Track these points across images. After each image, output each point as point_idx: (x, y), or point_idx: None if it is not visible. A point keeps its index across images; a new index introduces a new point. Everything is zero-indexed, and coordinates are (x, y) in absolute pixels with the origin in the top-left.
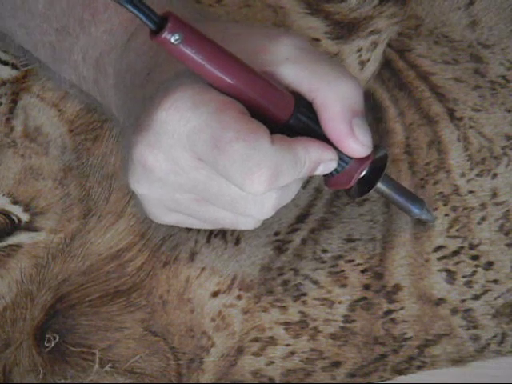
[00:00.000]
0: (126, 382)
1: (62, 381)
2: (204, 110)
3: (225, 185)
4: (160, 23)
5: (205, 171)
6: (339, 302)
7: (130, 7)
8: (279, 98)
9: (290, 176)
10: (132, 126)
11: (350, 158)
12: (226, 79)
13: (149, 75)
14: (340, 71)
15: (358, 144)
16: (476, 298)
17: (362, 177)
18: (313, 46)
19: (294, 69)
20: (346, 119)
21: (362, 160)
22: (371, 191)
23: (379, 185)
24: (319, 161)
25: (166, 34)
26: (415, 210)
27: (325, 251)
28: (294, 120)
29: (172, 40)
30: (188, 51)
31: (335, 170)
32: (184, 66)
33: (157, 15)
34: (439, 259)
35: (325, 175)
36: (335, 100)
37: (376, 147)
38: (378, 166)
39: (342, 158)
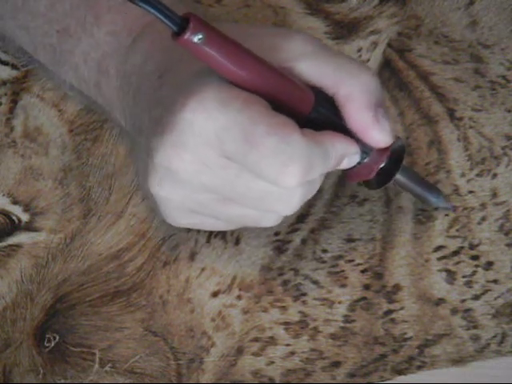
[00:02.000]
0: (126, 382)
1: (62, 381)
2: (231, 108)
3: (253, 182)
4: (181, 24)
5: (233, 169)
6: (339, 302)
7: (151, 9)
8: (300, 93)
9: (320, 169)
10: (148, 128)
11: (371, 149)
12: (248, 76)
13: (161, 78)
14: (359, 63)
15: (383, 133)
16: (476, 297)
17: (382, 168)
18: (324, 43)
19: (313, 63)
20: (372, 110)
21: (381, 151)
22: (391, 181)
23: (398, 175)
24: (345, 154)
25: (188, 35)
26: (433, 199)
27: (325, 251)
28: (314, 114)
29: (195, 40)
30: (211, 51)
31: (357, 162)
32: (202, 65)
33: (178, 17)
34: (439, 259)
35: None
36: (360, 91)
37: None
38: (395, 157)
39: (364, 149)
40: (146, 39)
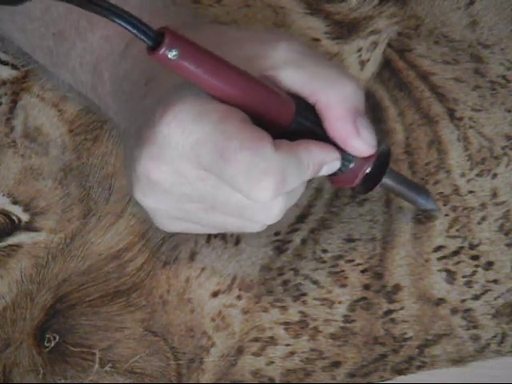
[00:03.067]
0: (126, 382)
1: (62, 381)
2: (206, 122)
3: (231, 193)
4: (156, 38)
5: (211, 181)
6: (339, 302)
7: (125, 24)
8: (280, 104)
9: (295, 180)
10: (134, 137)
11: (354, 156)
12: (226, 89)
13: (147, 85)
14: (341, 72)
15: (363, 143)
16: (476, 298)
17: (367, 173)
18: (311, 49)
19: (295, 72)
20: (351, 119)
21: (366, 157)
22: (377, 186)
23: (384, 179)
24: (322, 162)
25: (163, 50)
26: (421, 201)
27: (325, 251)
28: (295, 124)
29: (170, 56)
30: (186, 65)
31: (339, 169)
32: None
33: (153, 31)
34: (439, 259)
35: (330, 174)
36: (339, 101)
37: (378, 143)
38: (381, 161)
39: (346, 157)
40: (135, 45)
